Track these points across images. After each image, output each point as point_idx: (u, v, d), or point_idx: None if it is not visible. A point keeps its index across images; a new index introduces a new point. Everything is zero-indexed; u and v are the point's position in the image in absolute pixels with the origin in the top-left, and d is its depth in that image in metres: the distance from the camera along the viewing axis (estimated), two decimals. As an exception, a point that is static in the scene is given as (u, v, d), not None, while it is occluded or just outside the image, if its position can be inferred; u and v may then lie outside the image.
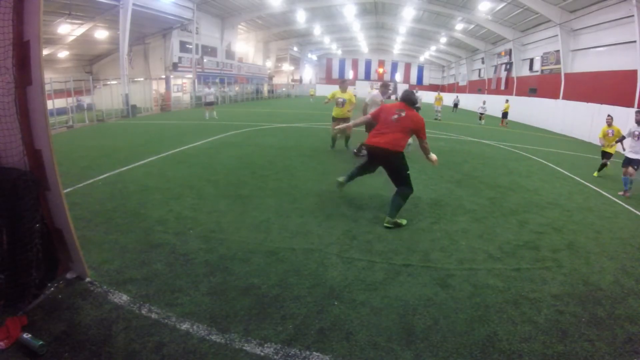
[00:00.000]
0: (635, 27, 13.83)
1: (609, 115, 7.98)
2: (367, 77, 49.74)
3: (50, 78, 13.15)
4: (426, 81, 50.62)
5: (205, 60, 24.78)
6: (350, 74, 50.06)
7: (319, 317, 2.39)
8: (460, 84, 41.38)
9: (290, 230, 3.77)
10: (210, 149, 8.14)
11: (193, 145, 8.42)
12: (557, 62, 20.19)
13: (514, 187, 6.04)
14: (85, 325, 2.21)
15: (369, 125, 6.05)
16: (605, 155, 7.67)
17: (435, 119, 18.64)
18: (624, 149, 6.79)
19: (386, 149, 3.85)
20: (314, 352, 2.09)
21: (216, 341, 2.13)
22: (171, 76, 22.53)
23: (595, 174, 7.63)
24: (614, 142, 7.55)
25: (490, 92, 30.11)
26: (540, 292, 2.84)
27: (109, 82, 18.49)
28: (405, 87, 36.72)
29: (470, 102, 30.60)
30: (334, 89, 8.48)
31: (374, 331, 2.28)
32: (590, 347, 2.23)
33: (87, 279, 2.69)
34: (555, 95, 19.90)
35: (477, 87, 34.87)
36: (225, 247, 3.32)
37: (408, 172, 3.99)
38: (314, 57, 50.82)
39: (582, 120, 15.70)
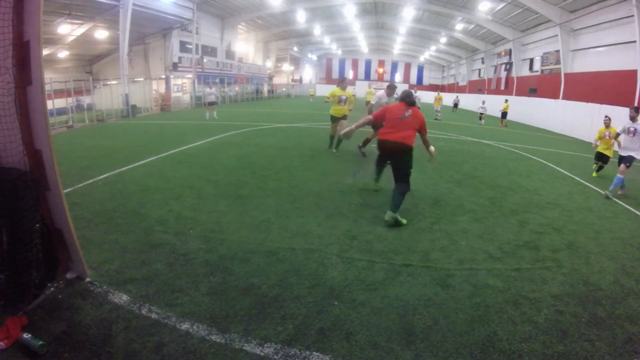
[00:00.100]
0: (635, 27, 13.85)
1: (606, 117, 7.75)
2: (367, 77, 49.77)
3: (50, 78, 13.15)
4: (426, 81, 50.64)
5: (205, 60, 24.78)
6: (350, 74, 50.05)
7: (319, 317, 2.39)
8: (460, 84, 41.38)
9: (290, 230, 3.78)
10: (210, 149, 8.14)
11: (193, 145, 8.42)
12: (557, 62, 20.21)
13: (514, 187, 6.04)
14: (85, 325, 2.21)
15: (375, 126, 6.07)
16: (603, 158, 7.51)
17: (435, 119, 18.62)
18: (619, 147, 6.74)
19: (401, 143, 3.98)
20: (314, 352, 2.09)
21: (216, 341, 2.13)
22: (171, 76, 22.52)
23: (595, 174, 7.63)
24: (610, 144, 7.31)
25: (490, 92, 30.12)
26: (540, 292, 2.84)
27: (109, 82, 18.48)
28: (405, 87, 36.72)
29: (470, 102, 30.61)
30: (334, 88, 8.41)
31: (374, 331, 2.28)
32: (590, 347, 2.23)
33: (87, 279, 2.69)
34: (555, 95, 19.91)
35: (477, 87, 34.88)
36: (225, 247, 3.32)
37: (411, 169, 4.11)
38: (314, 57, 50.81)
39: (582, 120, 15.71)
